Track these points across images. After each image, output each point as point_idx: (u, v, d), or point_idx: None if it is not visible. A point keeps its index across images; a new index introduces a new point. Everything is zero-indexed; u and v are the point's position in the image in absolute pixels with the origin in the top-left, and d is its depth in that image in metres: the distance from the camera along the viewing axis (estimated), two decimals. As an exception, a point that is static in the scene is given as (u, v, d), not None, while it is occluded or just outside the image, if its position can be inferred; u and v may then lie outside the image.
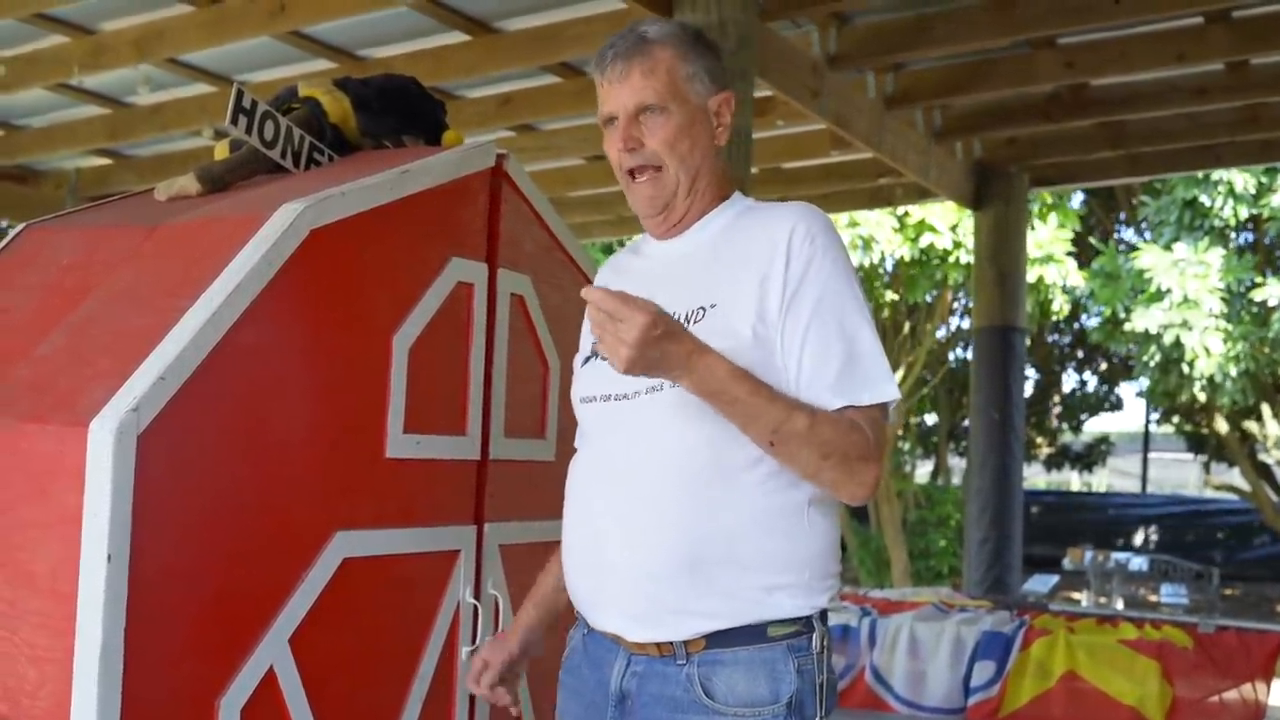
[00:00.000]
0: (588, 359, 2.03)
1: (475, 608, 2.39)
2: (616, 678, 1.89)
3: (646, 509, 1.83)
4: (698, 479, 1.81)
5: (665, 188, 1.95)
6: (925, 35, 6.05)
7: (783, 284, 1.84)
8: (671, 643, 1.83)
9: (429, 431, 2.30)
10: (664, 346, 1.69)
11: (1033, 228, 11.08)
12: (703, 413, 1.79)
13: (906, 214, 10.76)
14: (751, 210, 1.99)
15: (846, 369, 1.81)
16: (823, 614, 1.88)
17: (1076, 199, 11.93)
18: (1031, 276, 10.99)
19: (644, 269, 2.04)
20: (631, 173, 1.96)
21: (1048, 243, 11.37)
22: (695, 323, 1.85)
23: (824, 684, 1.84)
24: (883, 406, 1.85)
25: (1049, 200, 11.31)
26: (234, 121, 2.33)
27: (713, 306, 1.86)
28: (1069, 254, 11.73)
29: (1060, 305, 12.01)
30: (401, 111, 2.71)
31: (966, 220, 10.42)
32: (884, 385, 1.84)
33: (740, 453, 1.81)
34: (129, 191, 2.69)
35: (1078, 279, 11.91)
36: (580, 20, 5.90)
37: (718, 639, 1.81)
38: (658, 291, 1.92)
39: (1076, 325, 15.32)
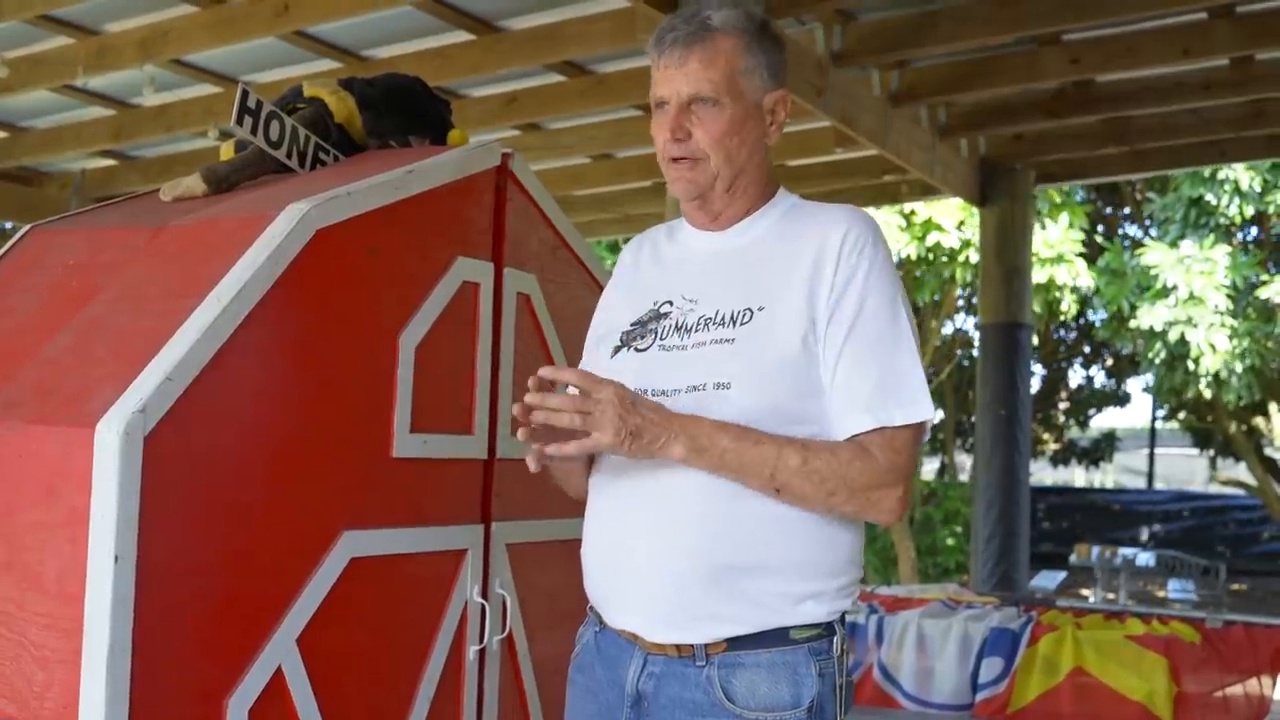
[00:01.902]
0: (618, 348, 1.95)
1: (483, 607, 2.39)
2: (632, 678, 1.84)
3: (675, 512, 1.79)
4: (727, 484, 1.77)
5: (702, 179, 1.89)
6: (930, 32, 6.04)
7: (829, 291, 1.80)
8: (691, 644, 1.80)
9: (436, 431, 2.30)
10: (642, 413, 1.71)
11: (1043, 226, 11.07)
12: (736, 416, 1.76)
13: (913, 212, 10.74)
14: (798, 209, 1.95)
15: (881, 388, 1.77)
16: (842, 616, 1.85)
17: (1080, 193, 11.90)
18: (1042, 276, 10.96)
19: (684, 260, 1.98)
20: (673, 159, 1.90)
21: (1059, 242, 11.34)
22: (742, 324, 1.81)
23: (843, 686, 1.82)
24: (917, 426, 1.80)
25: (1057, 199, 11.29)
26: (239, 122, 2.33)
27: (760, 309, 1.82)
28: (1079, 255, 11.71)
29: (1068, 305, 12.00)
30: (406, 111, 2.71)
31: (972, 219, 10.41)
32: (918, 405, 1.79)
33: None
34: (134, 192, 2.69)
35: (1088, 279, 11.90)
36: (584, 19, 5.90)
37: (739, 641, 1.78)
38: (702, 287, 1.89)
39: (1082, 321, 15.30)
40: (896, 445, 1.78)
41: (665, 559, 1.79)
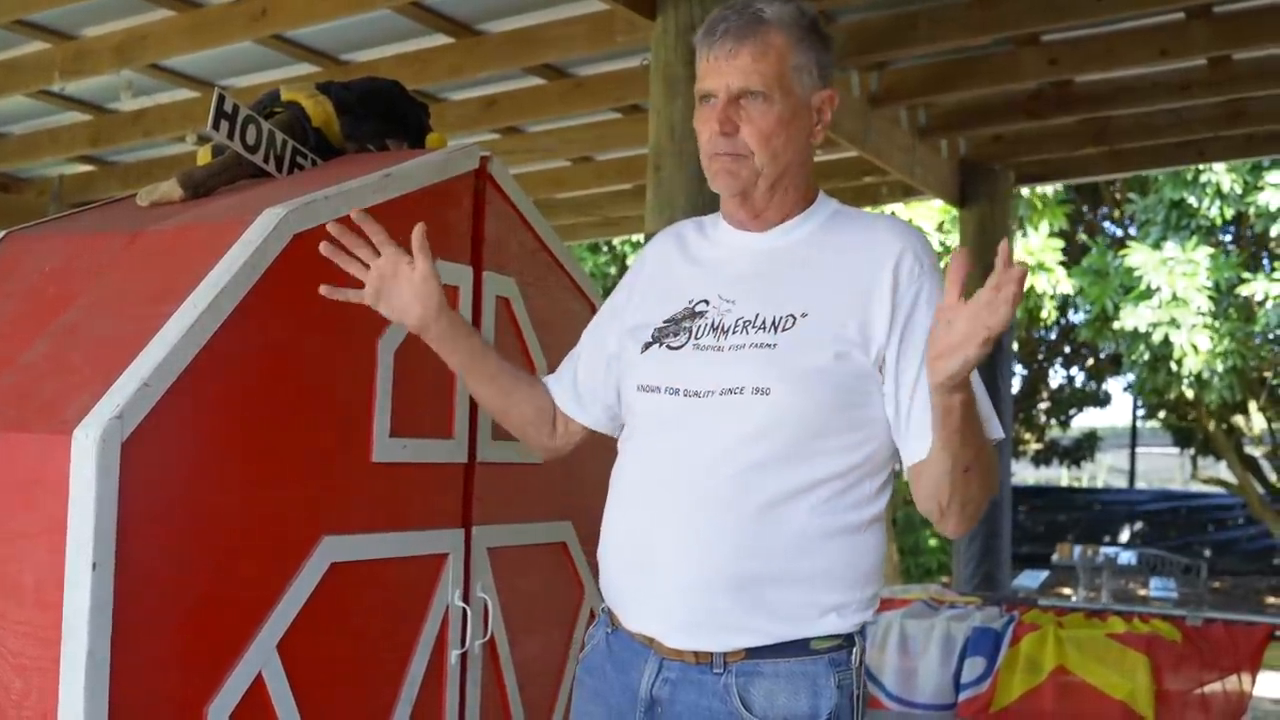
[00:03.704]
0: (649, 344, 1.90)
1: (464, 611, 2.38)
2: (647, 683, 1.81)
3: (706, 519, 1.76)
4: (760, 494, 1.74)
5: (745, 174, 1.84)
6: (909, 33, 6.05)
7: (890, 309, 1.77)
8: (710, 651, 1.77)
9: (415, 435, 2.29)
10: None
11: (1024, 234, 11.09)
12: (773, 424, 1.74)
13: (893, 214, 10.77)
14: (841, 216, 1.92)
15: None
16: (863, 628, 1.83)
17: (1057, 188, 11.95)
18: (1023, 285, 10.97)
19: (721, 259, 1.93)
20: (717, 154, 1.86)
21: (1039, 250, 11.37)
22: (784, 330, 1.78)
23: (859, 697, 1.80)
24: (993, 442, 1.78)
25: (1039, 205, 11.32)
26: (216, 126, 2.33)
27: (804, 316, 1.78)
28: (1060, 263, 11.76)
29: (1048, 313, 12.04)
30: (384, 115, 2.70)
31: (952, 221, 10.45)
32: (994, 422, 1.76)
33: (806, 470, 1.75)
34: (111, 198, 2.68)
35: (1068, 287, 11.94)
36: (562, 22, 5.89)
37: (758, 649, 1.76)
38: (740, 288, 1.85)
39: (1064, 321, 15.35)
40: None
41: (693, 566, 1.76)
